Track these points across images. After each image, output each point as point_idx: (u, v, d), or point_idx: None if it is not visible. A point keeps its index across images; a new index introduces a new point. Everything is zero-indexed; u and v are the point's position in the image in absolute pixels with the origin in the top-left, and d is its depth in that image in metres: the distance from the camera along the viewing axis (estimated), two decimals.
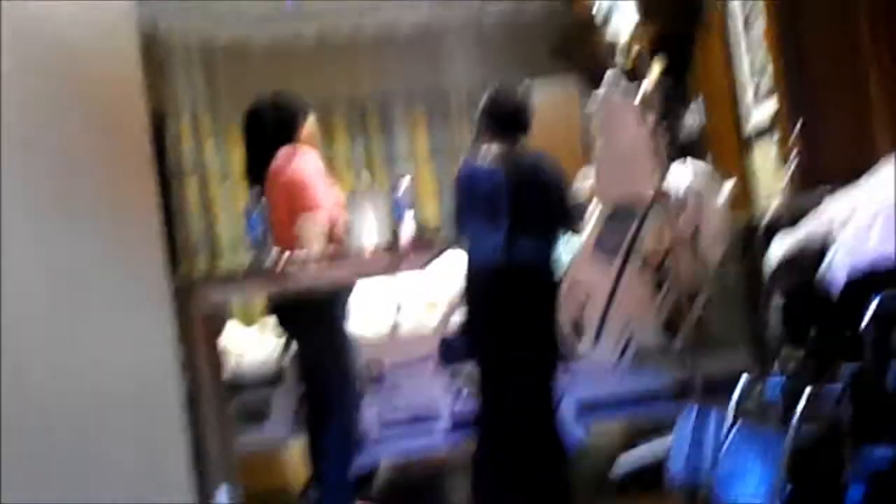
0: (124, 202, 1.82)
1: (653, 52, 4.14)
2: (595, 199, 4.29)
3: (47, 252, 1.48)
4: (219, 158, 6.49)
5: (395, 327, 4.19)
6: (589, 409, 4.28)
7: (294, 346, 4.04)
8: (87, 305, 1.60)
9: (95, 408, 1.59)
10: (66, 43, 1.65)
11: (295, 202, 3.59)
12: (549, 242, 4.18)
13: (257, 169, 3.75)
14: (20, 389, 1.36)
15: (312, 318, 3.67)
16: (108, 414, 1.63)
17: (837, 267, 2.69)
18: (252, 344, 4.37)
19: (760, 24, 4.41)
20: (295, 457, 5.90)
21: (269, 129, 3.78)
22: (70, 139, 1.60)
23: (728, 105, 4.75)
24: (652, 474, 3.66)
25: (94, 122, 1.71)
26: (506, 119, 4.17)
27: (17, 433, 1.34)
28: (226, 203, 6.47)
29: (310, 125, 3.83)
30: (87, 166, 1.66)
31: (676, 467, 3.29)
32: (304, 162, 3.69)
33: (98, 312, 1.64)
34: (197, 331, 3.19)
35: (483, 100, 4.27)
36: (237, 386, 3.98)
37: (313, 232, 3.34)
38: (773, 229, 3.21)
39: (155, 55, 6.08)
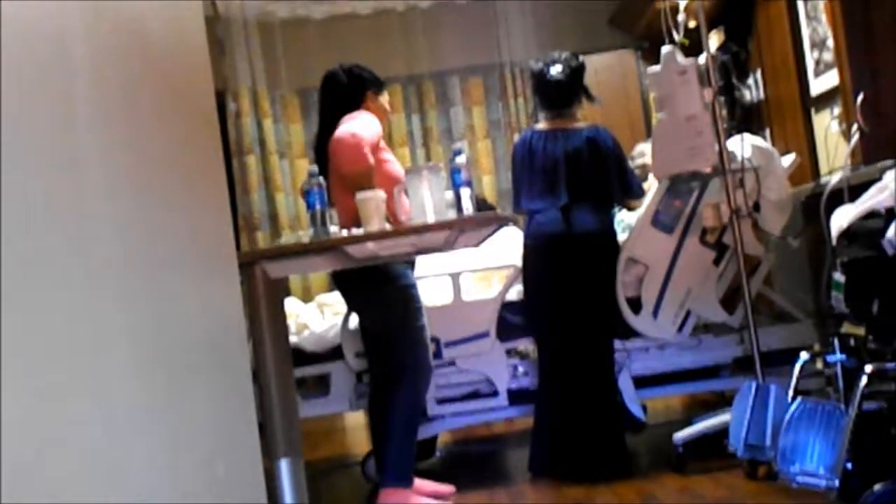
0: (194, 178, 1.86)
1: (712, 24, 4.07)
2: (652, 175, 4.27)
3: (123, 228, 1.53)
4: (277, 135, 6.54)
5: (451, 303, 4.21)
6: (647, 383, 4.27)
7: (355, 319, 4.09)
8: (160, 278, 1.65)
9: (168, 374, 1.64)
10: (137, 24, 1.69)
11: (340, 158, 3.55)
12: (607, 215, 4.18)
13: (324, 135, 3.74)
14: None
15: (376, 290, 3.69)
16: (180, 381, 1.67)
17: None
18: (311, 319, 4.42)
19: None
20: (354, 428, 6.00)
21: (337, 94, 3.79)
22: (143, 118, 1.65)
23: (790, 76, 4.68)
24: (710, 449, 3.65)
25: (164, 102, 1.76)
26: (555, 92, 4.17)
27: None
28: (285, 180, 6.53)
29: (380, 100, 3.82)
30: (160, 144, 1.70)
31: (736, 443, 3.27)
32: (355, 124, 3.63)
33: (169, 284, 1.69)
34: (259, 305, 3.23)
35: (533, 75, 4.26)
36: (298, 359, 4.03)
37: (371, 209, 3.36)
38: (834, 203, 3.18)
39: (213, 33, 6.14)
